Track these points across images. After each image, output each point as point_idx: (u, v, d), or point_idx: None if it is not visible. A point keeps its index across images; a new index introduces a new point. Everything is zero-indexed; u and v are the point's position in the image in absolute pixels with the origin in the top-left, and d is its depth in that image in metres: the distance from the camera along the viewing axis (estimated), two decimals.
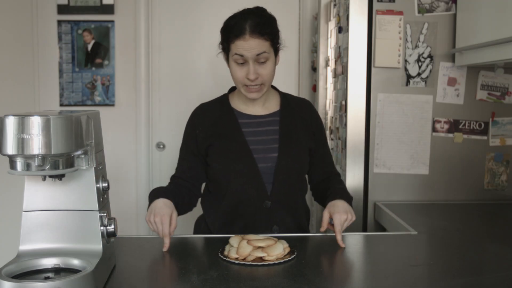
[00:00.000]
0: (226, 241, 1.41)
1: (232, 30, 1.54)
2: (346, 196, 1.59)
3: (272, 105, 1.69)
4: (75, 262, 1.10)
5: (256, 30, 1.51)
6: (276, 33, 1.58)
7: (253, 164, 1.58)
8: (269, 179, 1.60)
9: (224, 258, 1.31)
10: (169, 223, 1.43)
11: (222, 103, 1.69)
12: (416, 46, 2.09)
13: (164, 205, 1.47)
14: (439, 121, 2.12)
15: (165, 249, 1.41)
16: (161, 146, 3.29)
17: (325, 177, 1.74)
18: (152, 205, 1.48)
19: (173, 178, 1.71)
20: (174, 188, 1.62)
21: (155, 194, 1.52)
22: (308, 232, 1.75)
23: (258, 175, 1.58)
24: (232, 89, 1.74)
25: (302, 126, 1.67)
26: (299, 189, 1.68)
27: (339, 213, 1.49)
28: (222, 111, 1.67)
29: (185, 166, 1.68)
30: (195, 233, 1.77)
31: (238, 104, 1.68)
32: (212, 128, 1.64)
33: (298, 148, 1.64)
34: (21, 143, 0.99)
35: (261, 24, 1.53)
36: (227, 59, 1.61)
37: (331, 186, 1.66)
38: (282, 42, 1.64)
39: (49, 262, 1.11)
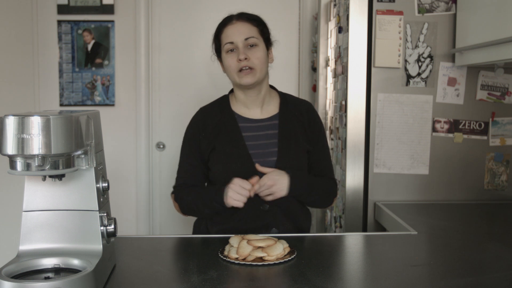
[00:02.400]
0: (226, 241, 1.41)
1: (221, 22, 1.65)
2: (303, 181, 1.61)
3: (271, 108, 1.69)
4: (75, 262, 1.10)
5: (243, 16, 1.62)
6: (264, 27, 1.65)
7: (253, 168, 1.59)
8: None
9: (224, 258, 1.31)
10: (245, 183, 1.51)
11: (222, 106, 1.69)
12: (416, 46, 2.09)
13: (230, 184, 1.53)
14: (439, 121, 2.12)
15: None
16: (161, 146, 3.29)
17: None
18: (227, 191, 1.53)
19: (180, 186, 1.70)
20: (200, 188, 1.68)
21: (218, 191, 1.56)
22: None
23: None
24: (232, 91, 1.74)
25: (301, 130, 1.67)
26: None
27: (268, 178, 1.53)
28: (223, 114, 1.67)
29: (190, 171, 1.68)
30: (194, 233, 1.77)
31: (238, 107, 1.68)
32: (214, 132, 1.64)
33: (297, 151, 1.64)
34: (21, 143, 0.99)
35: (247, 13, 1.64)
36: (221, 59, 1.65)
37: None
38: (273, 39, 1.69)
39: (49, 262, 1.11)
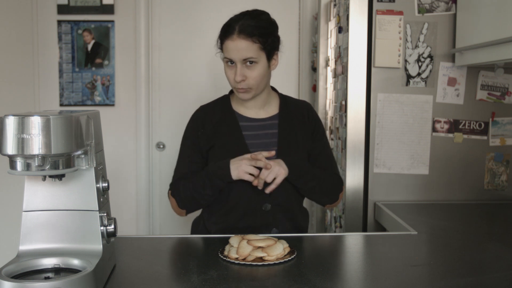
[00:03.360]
0: (226, 241, 1.41)
1: (224, 30, 1.57)
2: (299, 163, 1.60)
3: (272, 108, 1.69)
4: (75, 262, 1.10)
5: (245, 31, 1.52)
6: (269, 37, 1.57)
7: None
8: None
9: (224, 258, 1.31)
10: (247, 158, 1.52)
11: (223, 104, 1.69)
12: (416, 46, 2.09)
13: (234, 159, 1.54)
14: (439, 121, 2.12)
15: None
16: (161, 146, 3.29)
17: None
18: (232, 164, 1.53)
19: (178, 180, 1.66)
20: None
21: (216, 168, 1.56)
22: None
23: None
24: (233, 91, 1.74)
25: (300, 129, 1.67)
26: (297, 191, 1.67)
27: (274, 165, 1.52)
28: (224, 113, 1.67)
29: (189, 168, 1.65)
30: (192, 233, 1.77)
31: (238, 106, 1.68)
32: (213, 129, 1.64)
33: (296, 151, 1.64)
34: (21, 143, 0.99)
35: (251, 26, 1.53)
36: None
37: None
38: (280, 46, 1.63)
39: (49, 262, 1.11)
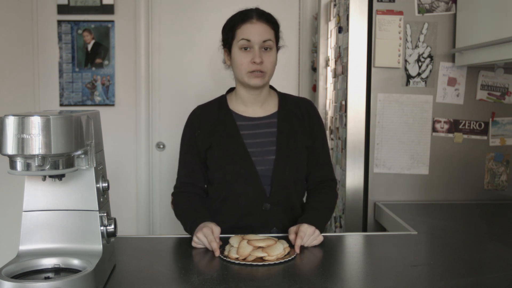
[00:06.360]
0: (226, 241, 1.41)
1: (239, 16, 1.61)
2: (317, 220, 1.55)
3: (270, 107, 1.69)
4: (75, 262, 1.10)
5: (263, 16, 1.60)
6: (278, 30, 1.65)
7: (252, 166, 1.58)
8: (267, 181, 1.59)
9: (224, 258, 1.31)
10: (211, 233, 1.42)
11: (220, 104, 1.69)
12: (416, 46, 2.09)
13: (203, 225, 1.48)
14: (439, 121, 2.12)
15: (216, 254, 1.38)
16: (161, 146, 3.29)
17: (319, 180, 1.71)
18: (197, 230, 1.49)
19: (180, 185, 1.68)
20: (195, 203, 1.63)
21: (193, 224, 1.52)
22: None
23: (256, 177, 1.58)
24: (230, 90, 1.73)
25: (299, 127, 1.66)
26: (297, 191, 1.67)
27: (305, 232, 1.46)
28: (221, 113, 1.66)
29: (190, 169, 1.66)
30: None
31: (236, 106, 1.68)
32: (210, 130, 1.64)
33: (295, 150, 1.64)
34: (21, 143, 0.99)
35: (266, 13, 1.62)
36: (229, 52, 1.63)
37: (312, 201, 1.65)
38: (282, 43, 1.68)
39: (49, 262, 1.11)
